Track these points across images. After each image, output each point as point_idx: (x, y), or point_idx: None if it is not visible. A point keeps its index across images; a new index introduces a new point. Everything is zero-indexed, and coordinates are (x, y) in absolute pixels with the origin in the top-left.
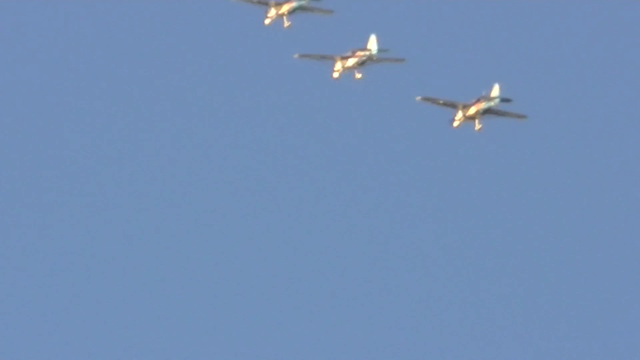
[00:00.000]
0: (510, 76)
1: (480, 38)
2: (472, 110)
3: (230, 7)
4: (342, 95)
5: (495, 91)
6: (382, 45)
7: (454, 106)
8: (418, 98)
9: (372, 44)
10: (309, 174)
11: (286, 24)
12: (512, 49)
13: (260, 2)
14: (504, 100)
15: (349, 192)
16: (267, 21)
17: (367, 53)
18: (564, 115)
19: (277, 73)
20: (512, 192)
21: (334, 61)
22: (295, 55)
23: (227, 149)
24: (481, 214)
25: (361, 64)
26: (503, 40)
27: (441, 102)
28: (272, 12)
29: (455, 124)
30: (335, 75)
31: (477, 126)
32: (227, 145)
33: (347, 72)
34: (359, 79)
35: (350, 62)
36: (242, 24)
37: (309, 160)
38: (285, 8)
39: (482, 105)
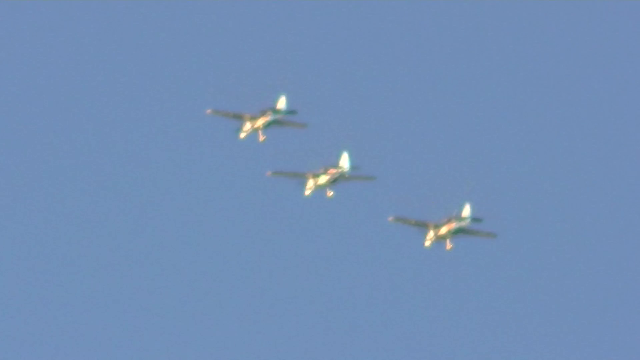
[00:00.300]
0: (481, 195)
1: (450, 158)
2: (443, 230)
3: (205, 120)
4: (314, 212)
5: (466, 210)
6: (354, 162)
7: (425, 226)
8: (390, 218)
9: (344, 162)
10: (277, 293)
11: (261, 137)
12: (482, 165)
13: (235, 115)
14: (475, 219)
15: (320, 310)
16: (242, 135)
17: (339, 171)
18: (532, 233)
19: (251, 189)
20: (485, 308)
21: (306, 179)
22: (269, 173)
23: (200, 266)
24: (452, 331)
25: (333, 182)
26: (474, 157)
27: (413, 222)
28: (247, 125)
29: (427, 243)
30: (308, 192)
31: (448, 245)
32: (200, 263)
33: (319, 189)
34: (331, 196)
35: (323, 179)
36: (217, 138)
37: (279, 278)
38: (260, 122)
39: (454, 225)
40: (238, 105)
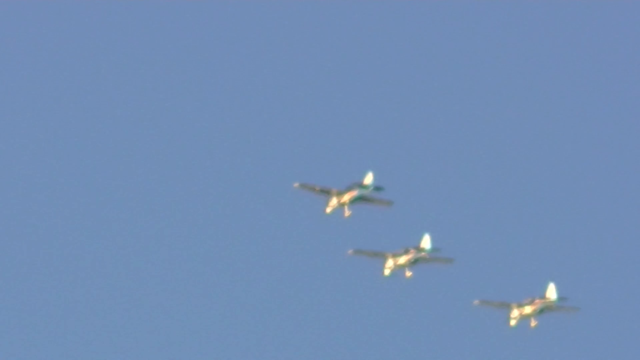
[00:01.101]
0: (564, 274)
1: (534, 240)
2: (528, 310)
3: (293, 194)
4: (392, 293)
5: (551, 291)
6: (436, 243)
7: (509, 307)
8: (476, 302)
9: (426, 243)
10: None
11: (347, 213)
12: (561, 242)
13: (322, 190)
14: (561, 299)
15: None
16: (328, 210)
17: (420, 253)
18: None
19: (332, 266)
20: None
21: (386, 259)
22: (350, 251)
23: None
24: None
25: (413, 263)
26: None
27: (497, 304)
28: (334, 201)
29: (512, 322)
30: (387, 272)
31: (533, 323)
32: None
33: (399, 269)
34: (410, 277)
35: (402, 259)
36: (304, 212)
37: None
38: (346, 197)
39: (538, 305)
40: (325, 180)
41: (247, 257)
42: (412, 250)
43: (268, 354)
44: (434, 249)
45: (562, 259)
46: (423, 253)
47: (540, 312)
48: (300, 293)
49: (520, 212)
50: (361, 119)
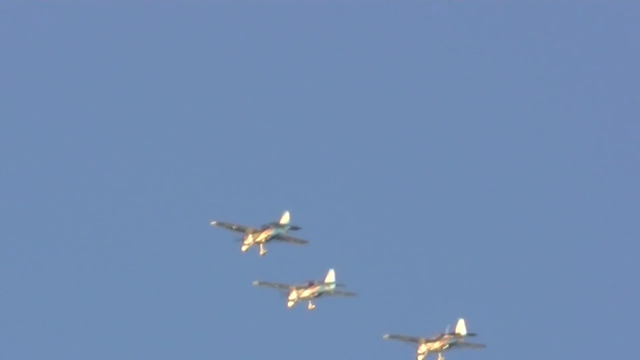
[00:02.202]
0: (472, 310)
1: (445, 277)
2: (436, 345)
3: (208, 231)
4: (295, 325)
5: (461, 326)
6: (347, 279)
7: (416, 341)
8: (385, 336)
9: (330, 278)
10: None
11: (262, 251)
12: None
13: (239, 228)
14: (469, 334)
15: None
16: (243, 248)
17: (322, 287)
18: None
19: (237, 297)
20: None
21: (289, 290)
22: (255, 283)
23: None
24: None
25: (316, 296)
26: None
27: (407, 338)
28: (250, 239)
29: (420, 358)
30: (290, 304)
31: (440, 358)
32: None
33: (302, 301)
34: (312, 309)
35: (306, 292)
36: (218, 249)
37: None
38: (262, 236)
39: (447, 340)
40: (242, 218)
41: (163, 287)
42: (315, 284)
43: None
44: (338, 284)
45: (472, 296)
46: (325, 287)
47: (448, 348)
48: (205, 321)
49: (433, 250)
50: (278, 158)
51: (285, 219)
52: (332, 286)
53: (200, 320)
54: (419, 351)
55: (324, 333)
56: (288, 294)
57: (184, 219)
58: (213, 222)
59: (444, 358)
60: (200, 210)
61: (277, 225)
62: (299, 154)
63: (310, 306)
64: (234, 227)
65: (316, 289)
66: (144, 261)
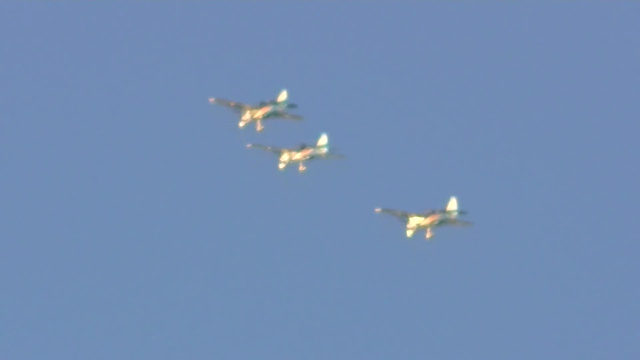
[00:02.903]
0: (463, 188)
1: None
2: (426, 221)
3: (209, 108)
4: (289, 191)
5: (452, 204)
6: (332, 144)
7: (407, 216)
8: (377, 210)
9: (322, 141)
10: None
11: (259, 127)
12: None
13: (237, 105)
14: (461, 212)
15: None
16: (241, 124)
17: (314, 150)
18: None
19: (233, 163)
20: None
21: (281, 153)
22: (248, 145)
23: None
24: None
25: (308, 159)
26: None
27: (399, 213)
28: (247, 115)
29: (409, 233)
30: (282, 166)
31: (429, 234)
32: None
33: (294, 163)
34: (303, 171)
35: (298, 155)
36: (218, 126)
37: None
38: (259, 112)
39: (438, 217)
40: (240, 96)
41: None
42: (307, 148)
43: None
44: (330, 147)
45: (464, 175)
46: (317, 150)
47: (438, 225)
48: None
49: (430, 128)
50: (280, 37)
51: (282, 96)
52: (324, 149)
53: (199, 186)
54: (409, 226)
55: (315, 196)
56: (280, 156)
57: (185, 97)
58: (212, 99)
59: (432, 233)
60: (200, 88)
61: (275, 102)
62: (300, 33)
63: (302, 168)
64: (232, 104)
65: (309, 151)
66: (148, 135)
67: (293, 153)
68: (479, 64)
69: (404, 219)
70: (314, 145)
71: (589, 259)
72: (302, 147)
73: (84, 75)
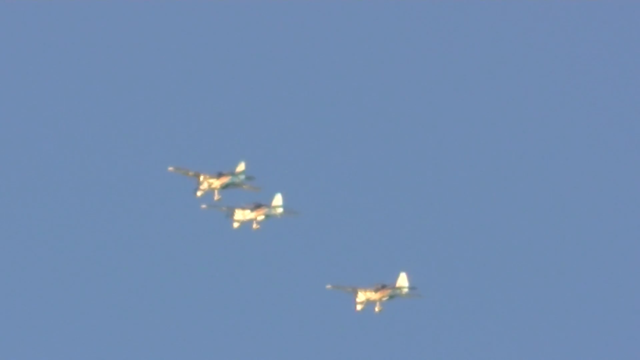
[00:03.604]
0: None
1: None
2: (376, 296)
3: (167, 176)
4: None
5: (402, 279)
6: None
7: (356, 291)
8: (328, 286)
9: (277, 201)
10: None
11: (216, 197)
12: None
13: (195, 174)
14: (411, 288)
15: None
16: (199, 193)
17: (270, 210)
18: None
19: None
20: None
21: (233, 211)
22: (203, 206)
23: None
24: None
25: (263, 218)
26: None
27: (349, 288)
28: (205, 184)
29: (359, 307)
30: (236, 225)
31: (378, 307)
32: None
33: (247, 222)
34: (257, 229)
35: (252, 215)
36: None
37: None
38: (217, 182)
39: (388, 292)
40: (198, 166)
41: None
42: (263, 206)
43: None
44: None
45: (413, 249)
46: (274, 210)
47: (389, 299)
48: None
49: (381, 203)
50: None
51: (241, 167)
52: (280, 209)
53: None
54: (358, 300)
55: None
56: (233, 215)
57: (144, 164)
58: (171, 168)
59: (382, 307)
60: (159, 156)
61: (233, 173)
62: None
63: (255, 226)
64: (190, 173)
65: (263, 210)
66: (109, 202)
67: (247, 212)
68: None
69: (354, 293)
70: (268, 205)
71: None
72: (257, 207)
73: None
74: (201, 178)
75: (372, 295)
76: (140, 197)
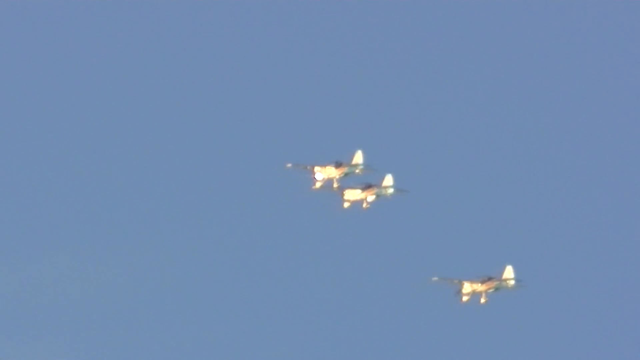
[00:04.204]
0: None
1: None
2: (482, 287)
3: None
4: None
5: (508, 272)
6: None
7: (461, 284)
8: (434, 279)
9: (388, 182)
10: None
11: (335, 185)
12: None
13: (312, 168)
14: (518, 281)
15: None
16: (317, 184)
17: (381, 190)
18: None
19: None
20: None
21: (343, 192)
22: (288, 165)
23: None
24: None
25: (374, 198)
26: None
27: (453, 281)
28: (324, 175)
29: (465, 298)
30: (346, 205)
31: (483, 299)
32: None
33: (357, 202)
34: (366, 208)
35: (362, 195)
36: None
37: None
38: (336, 173)
39: (494, 284)
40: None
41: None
42: (374, 186)
43: None
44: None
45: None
46: (385, 191)
47: (494, 291)
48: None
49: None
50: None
51: (358, 157)
52: (390, 189)
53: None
54: (464, 291)
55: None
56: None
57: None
58: (289, 165)
59: (487, 299)
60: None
61: (351, 164)
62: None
63: (365, 205)
64: (308, 167)
65: (373, 190)
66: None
67: (357, 192)
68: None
69: (459, 285)
70: (379, 185)
71: None
72: (367, 187)
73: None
74: (318, 169)
75: (478, 287)
76: (264, 190)
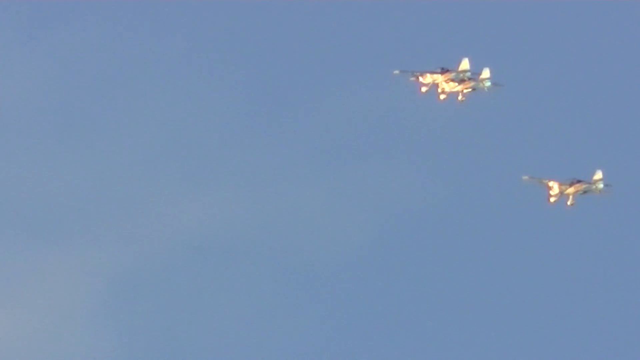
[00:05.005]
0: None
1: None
2: (570, 190)
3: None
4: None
5: (598, 176)
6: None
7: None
8: (525, 177)
9: (485, 74)
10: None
11: (460, 98)
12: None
13: (420, 74)
14: (606, 185)
15: None
16: (423, 89)
17: (478, 83)
18: None
19: None
20: None
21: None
22: (396, 71)
23: None
24: None
25: (470, 91)
26: None
27: (542, 180)
28: (428, 78)
29: (552, 199)
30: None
31: (570, 201)
32: None
33: (452, 94)
34: (462, 101)
35: (459, 87)
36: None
37: None
38: (571, 190)
39: (583, 187)
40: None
41: None
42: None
43: None
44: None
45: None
46: (482, 84)
47: (582, 194)
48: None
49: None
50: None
51: (465, 64)
52: (488, 83)
53: None
54: (552, 192)
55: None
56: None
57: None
58: (396, 71)
59: (574, 201)
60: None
61: (478, 80)
62: None
63: (461, 98)
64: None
65: (470, 84)
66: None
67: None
68: None
69: (547, 185)
70: (475, 79)
71: None
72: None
73: None
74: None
75: (567, 189)
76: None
